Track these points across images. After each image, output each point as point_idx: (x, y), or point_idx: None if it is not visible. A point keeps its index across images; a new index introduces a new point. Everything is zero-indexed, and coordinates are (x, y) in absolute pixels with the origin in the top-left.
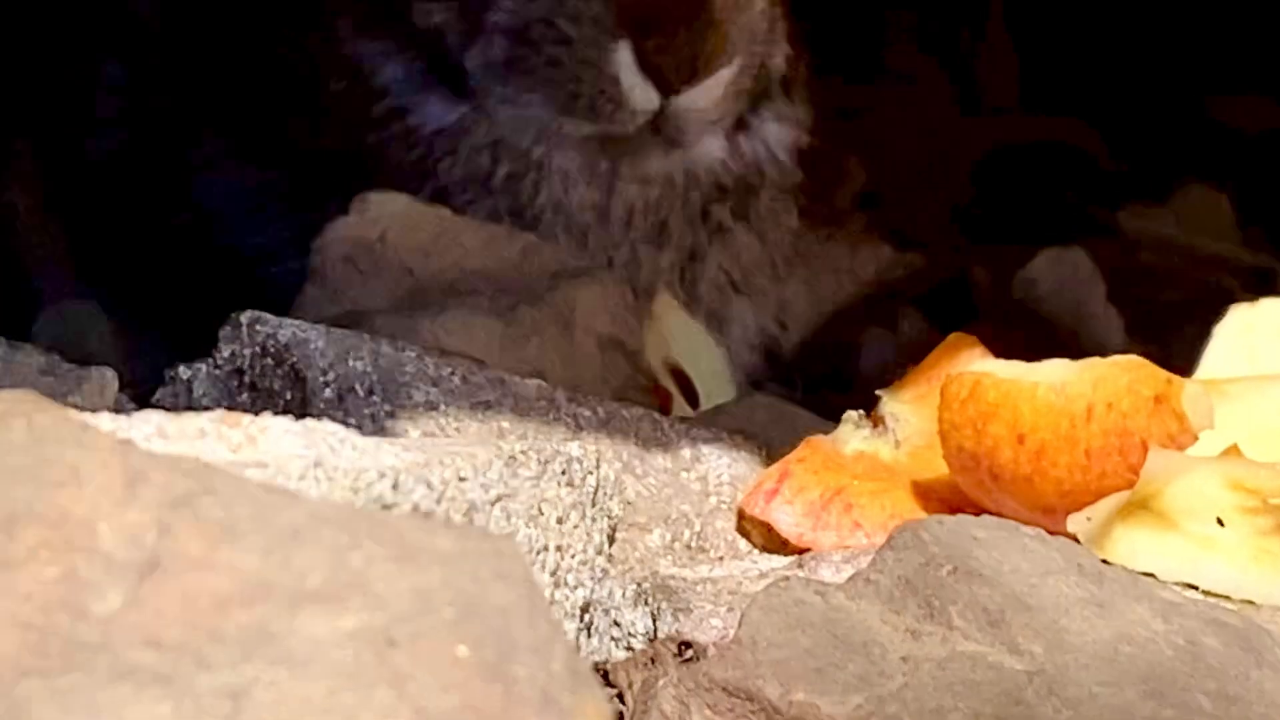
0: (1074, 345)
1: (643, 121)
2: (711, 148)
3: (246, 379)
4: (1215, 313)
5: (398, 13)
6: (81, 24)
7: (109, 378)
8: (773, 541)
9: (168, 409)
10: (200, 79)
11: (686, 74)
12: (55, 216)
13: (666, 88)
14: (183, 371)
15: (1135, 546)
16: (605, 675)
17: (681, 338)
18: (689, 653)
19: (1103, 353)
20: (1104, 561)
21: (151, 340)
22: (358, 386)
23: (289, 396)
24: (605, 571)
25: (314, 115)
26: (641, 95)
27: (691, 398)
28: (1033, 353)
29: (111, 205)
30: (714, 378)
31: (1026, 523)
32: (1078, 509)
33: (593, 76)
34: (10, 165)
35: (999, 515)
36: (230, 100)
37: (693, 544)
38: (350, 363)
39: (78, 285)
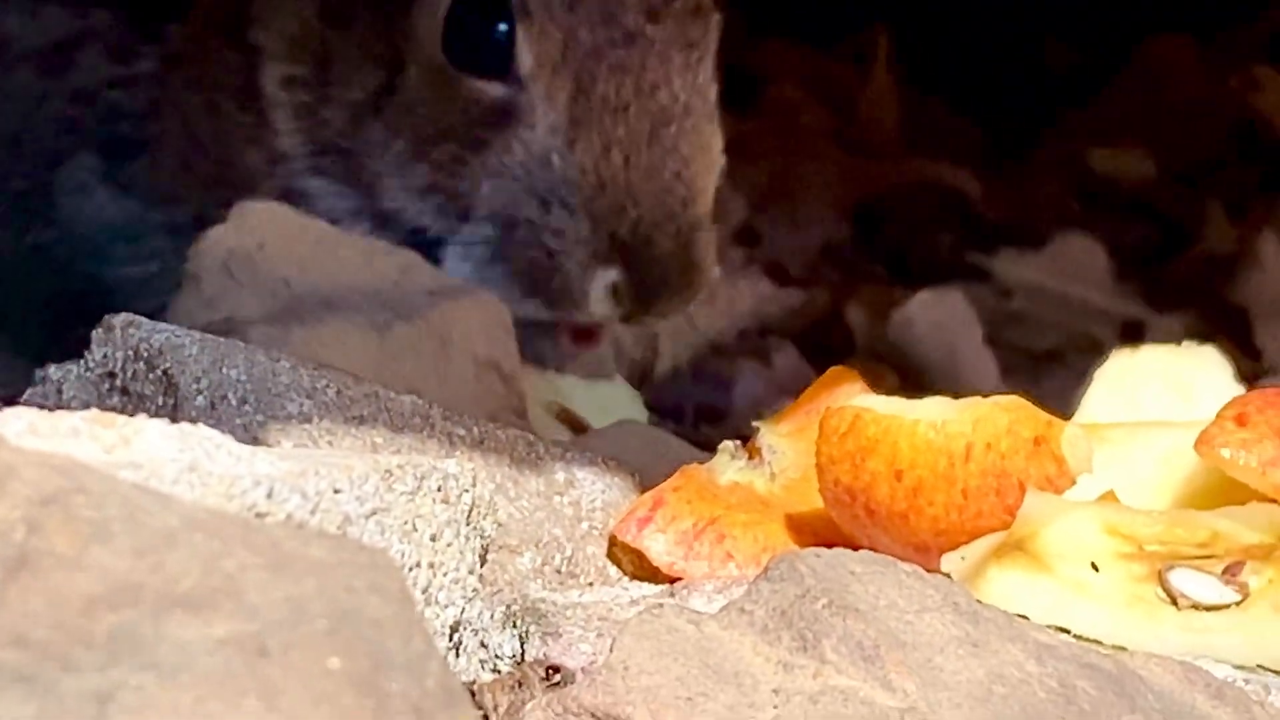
0: (947, 387)
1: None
2: None
3: (118, 382)
4: (1086, 361)
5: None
6: None
7: None
8: (644, 569)
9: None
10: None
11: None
12: None
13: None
14: (53, 372)
15: (1009, 588)
16: (472, 696)
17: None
18: (556, 677)
19: (977, 395)
20: (978, 601)
21: (16, 342)
22: (230, 395)
23: (160, 402)
24: (476, 591)
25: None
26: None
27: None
28: (906, 393)
29: None
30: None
31: (901, 559)
32: (952, 548)
33: (565, 278)
34: None
35: (873, 551)
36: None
37: (563, 568)
38: (224, 370)
39: None
